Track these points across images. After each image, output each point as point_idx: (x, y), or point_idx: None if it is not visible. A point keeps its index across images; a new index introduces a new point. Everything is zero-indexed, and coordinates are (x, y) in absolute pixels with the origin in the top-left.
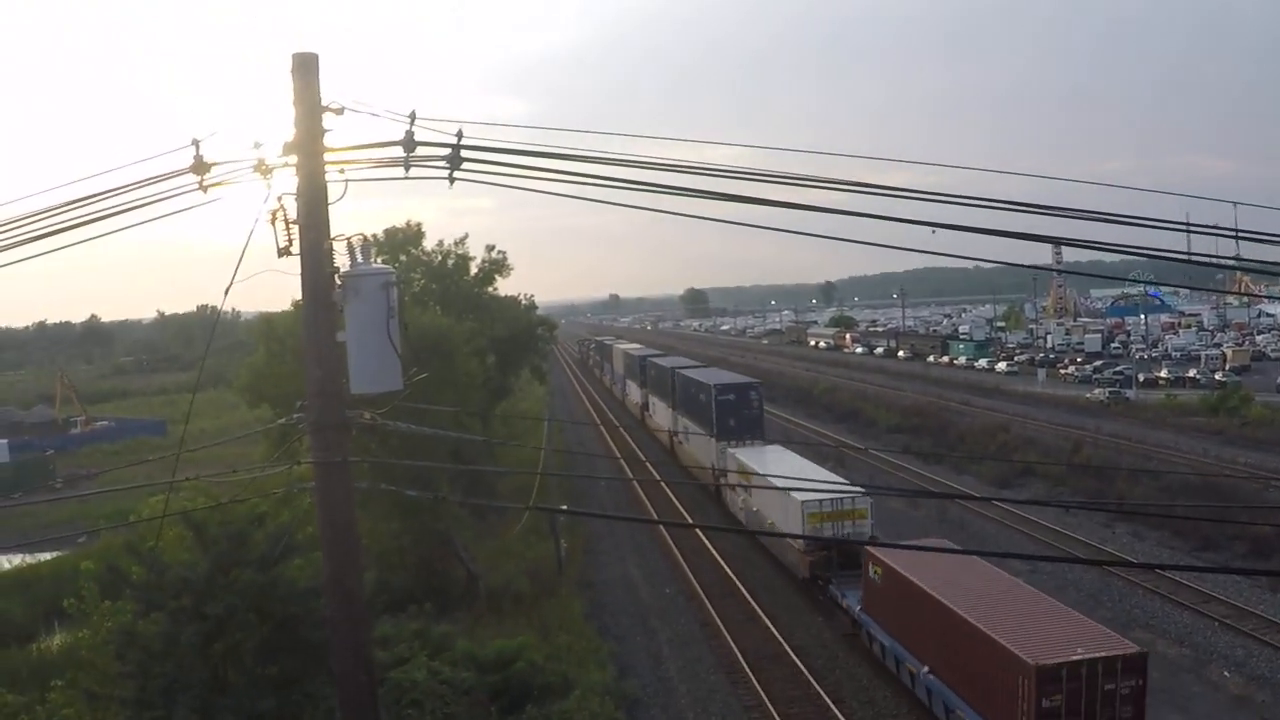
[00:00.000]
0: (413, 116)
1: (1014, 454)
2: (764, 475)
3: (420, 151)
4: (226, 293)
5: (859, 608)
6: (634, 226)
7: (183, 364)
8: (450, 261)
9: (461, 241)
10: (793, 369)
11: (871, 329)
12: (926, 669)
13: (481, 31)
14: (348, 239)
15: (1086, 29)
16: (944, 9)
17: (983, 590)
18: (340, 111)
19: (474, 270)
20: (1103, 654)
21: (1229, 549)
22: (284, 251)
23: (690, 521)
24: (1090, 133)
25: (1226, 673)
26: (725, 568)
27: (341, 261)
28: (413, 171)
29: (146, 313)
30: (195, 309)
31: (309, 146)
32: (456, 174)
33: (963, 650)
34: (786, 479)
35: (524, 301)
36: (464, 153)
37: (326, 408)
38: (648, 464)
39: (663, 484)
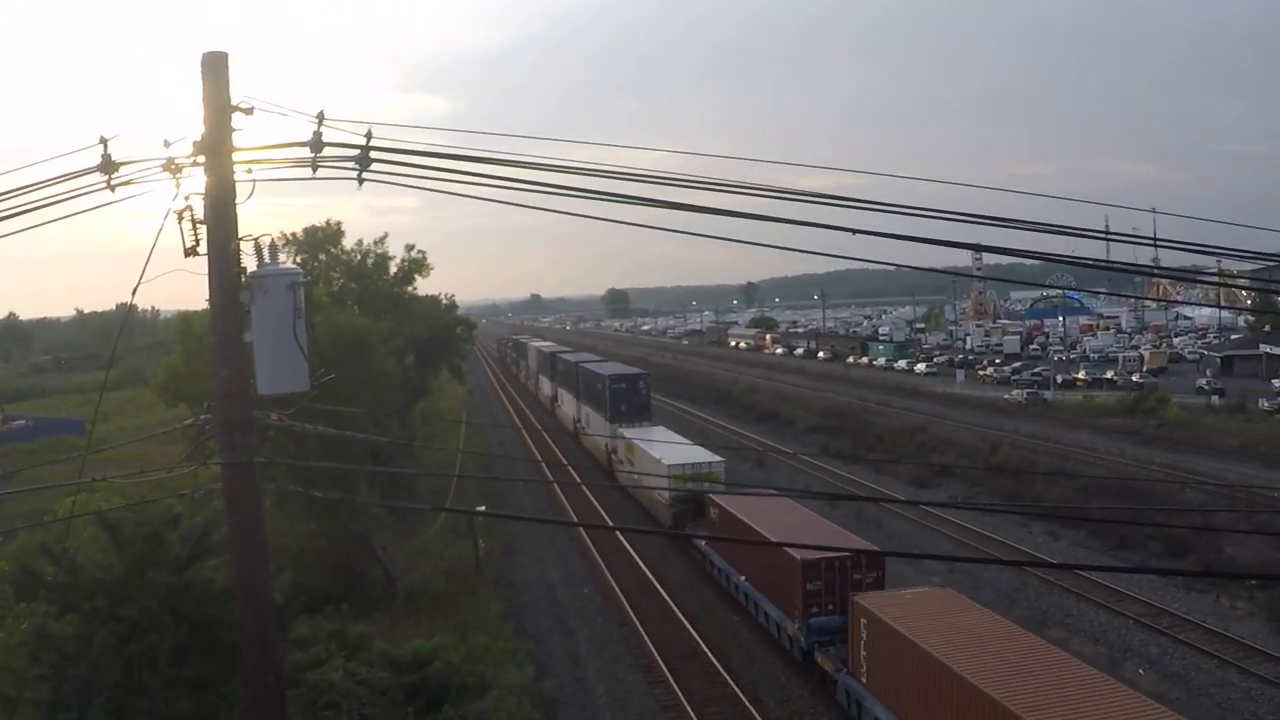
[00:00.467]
0: (320, 116)
1: (932, 454)
2: (643, 447)
3: (330, 152)
4: (134, 292)
5: (704, 543)
6: (555, 227)
7: (102, 363)
8: (370, 261)
9: (381, 241)
10: (712, 370)
11: (792, 330)
12: (744, 578)
13: (404, 27)
14: (255, 239)
15: (1001, 32)
16: (855, 9)
17: (783, 520)
18: (250, 111)
19: (393, 270)
20: (849, 552)
21: (1145, 548)
22: (190, 251)
23: (610, 523)
24: (1010, 137)
25: (1141, 670)
26: (643, 566)
27: (250, 262)
28: (324, 172)
29: (66, 311)
30: (115, 307)
31: (217, 146)
32: (366, 175)
33: (763, 559)
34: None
35: (445, 301)
36: (373, 154)
37: (234, 408)
38: (570, 468)
39: (584, 487)
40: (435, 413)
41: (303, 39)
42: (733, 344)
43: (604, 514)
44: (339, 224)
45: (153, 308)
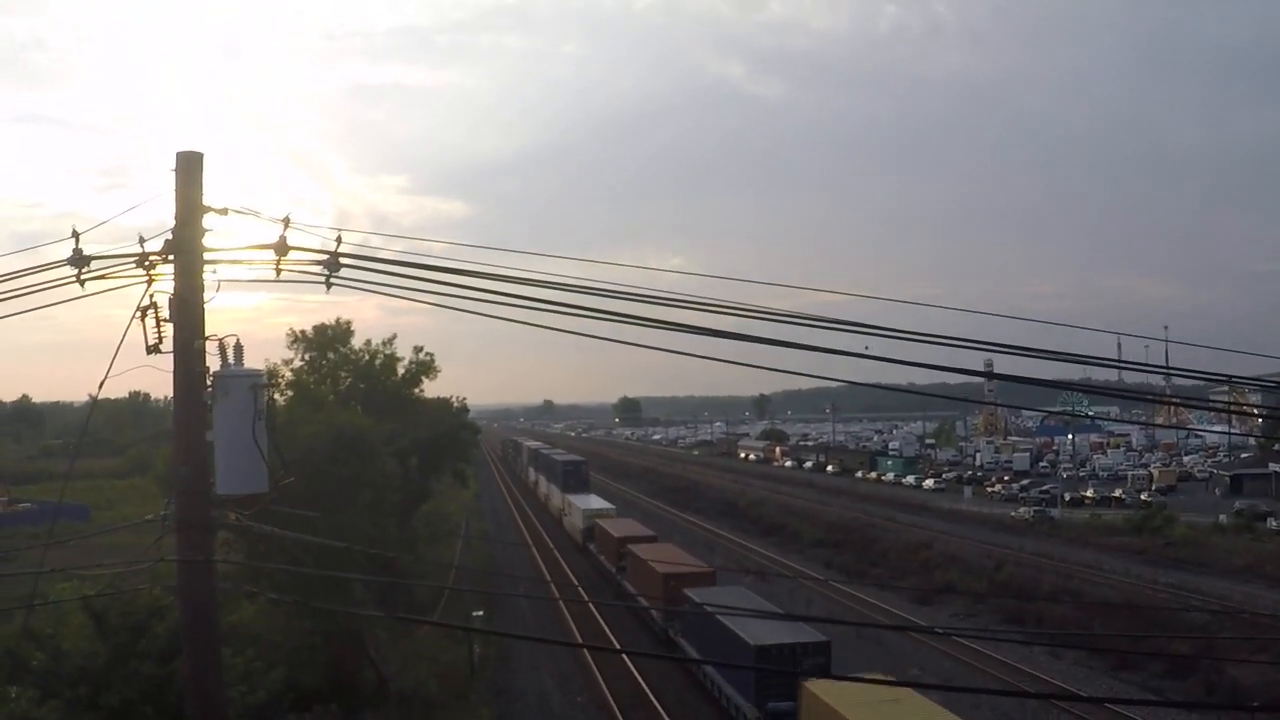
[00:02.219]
0: (287, 221)
1: (936, 571)
2: (576, 504)
3: (302, 256)
4: (101, 386)
5: (594, 549)
6: (569, 335)
7: (112, 449)
8: (378, 361)
9: (389, 341)
10: (721, 480)
11: (802, 443)
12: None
13: (426, 132)
14: (220, 339)
15: (1006, 147)
16: (871, 136)
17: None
18: (224, 212)
19: (401, 371)
20: None
21: (1146, 668)
22: (153, 349)
23: (616, 646)
24: (1020, 255)
25: None
26: (637, 676)
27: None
28: (293, 275)
29: (79, 395)
30: (127, 394)
31: (187, 245)
32: (335, 280)
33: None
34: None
35: (456, 404)
36: (342, 259)
37: (192, 506)
38: (581, 588)
39: (590, 604)
40: (439, 516)
41: (314, 139)
42: (742, 455)
43: (607, 630)
44: (349, 323)
45: (165, 397)
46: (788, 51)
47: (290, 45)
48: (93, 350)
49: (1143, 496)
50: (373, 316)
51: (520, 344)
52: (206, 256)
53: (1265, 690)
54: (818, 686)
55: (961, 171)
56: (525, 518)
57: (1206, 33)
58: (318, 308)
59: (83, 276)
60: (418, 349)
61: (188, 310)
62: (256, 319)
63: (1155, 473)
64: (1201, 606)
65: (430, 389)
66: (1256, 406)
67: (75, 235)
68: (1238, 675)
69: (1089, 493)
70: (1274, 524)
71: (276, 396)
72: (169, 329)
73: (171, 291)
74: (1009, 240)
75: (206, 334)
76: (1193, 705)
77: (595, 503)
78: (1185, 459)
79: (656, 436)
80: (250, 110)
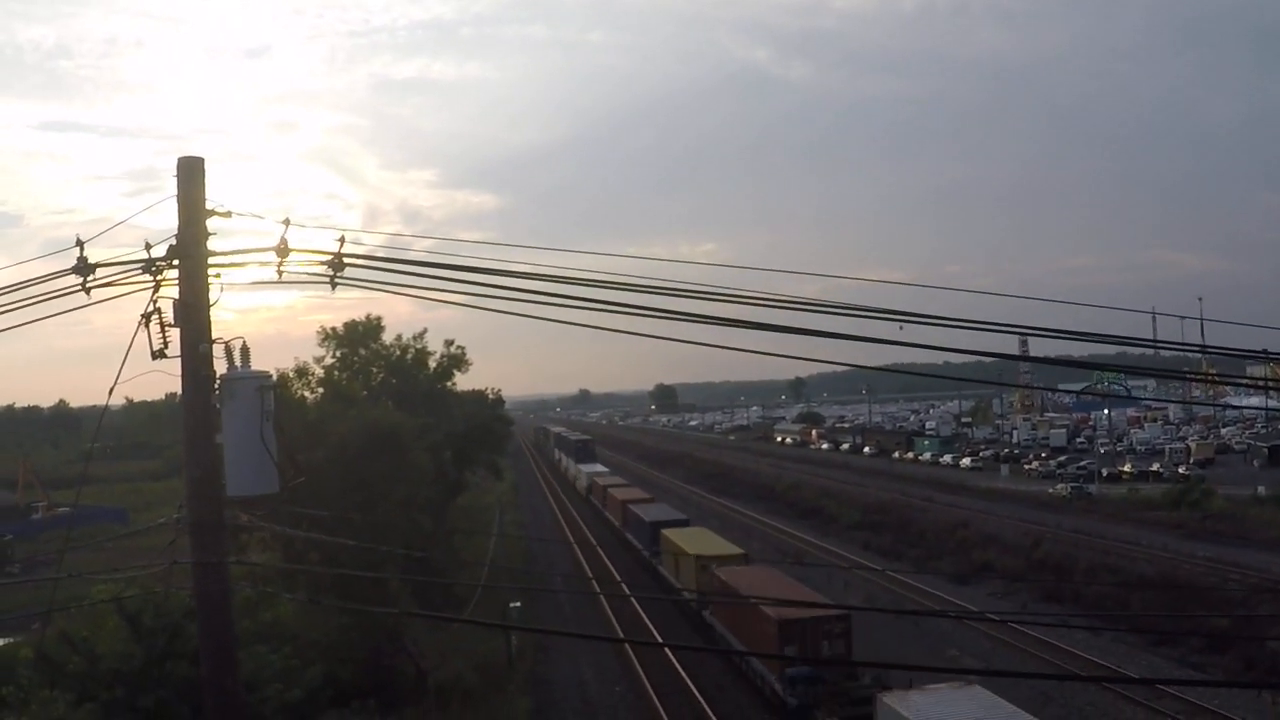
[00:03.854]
0: (287, 222)
1: (973, 551)
2: (584, 470)
3: (303, 257)
4: (111, 392)
5: (593, 498)
6: (603, 323)
7: (149, 452)
8: (409, 356)
9: (420, 336)
10: (757, 465)
11: (839, 425)
12: (598, 504)
13: (454, 125)
14: (226, 342)
15: (1039, 122)
16: (896, 110)
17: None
18: (228, 215)
19: (433, 365)
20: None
21: (1185, 644)
22: (158, 354)
23: (659, 640)
24: (1056, 229)
25: None
26: (676, 666)
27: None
28: (298, 277)
29: (116, 399)
30: (164, 396)
31: (190, 250)
32: (340, 279)
33: (606, 497)
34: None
35: (491, 396)
36: (346, 259)
37: (204, 508)
38: (624, 586)
39: (632, 598)
40: (474, 509)
41: (343, 136)
42: (779, 439)
43: (649, 624)
44: (379, 319)
45: None
46: (813, 33)
47: (316, 44)
48: (130, 354)
49: (1180, 470)
50: (405, 310)
51: (554, 334)
52: (210, 260)
53: None
54: (669, 531)
55: (998, 150)
56: (568, 516)
57: (1241, 4)
58: (351, 304)
59: (89, 284)
60: (448, 342)
61: (192, 314)
62: (290, 317)
63: (1193, 446)
64: (1241, 580)
65: (464, 381)
66: None
67: (80, 244)
68: (1278, 649)
69: (1126, 467)
70: None
71: (307, 394)
72: (175, 333)
73: (176, 296)
74: (1046, 215)
75: (214, 337)
76: (1234, 684)
77: (597, 468)
78: (1223, 431)
79: (693, 423)
80: (279, 109)
